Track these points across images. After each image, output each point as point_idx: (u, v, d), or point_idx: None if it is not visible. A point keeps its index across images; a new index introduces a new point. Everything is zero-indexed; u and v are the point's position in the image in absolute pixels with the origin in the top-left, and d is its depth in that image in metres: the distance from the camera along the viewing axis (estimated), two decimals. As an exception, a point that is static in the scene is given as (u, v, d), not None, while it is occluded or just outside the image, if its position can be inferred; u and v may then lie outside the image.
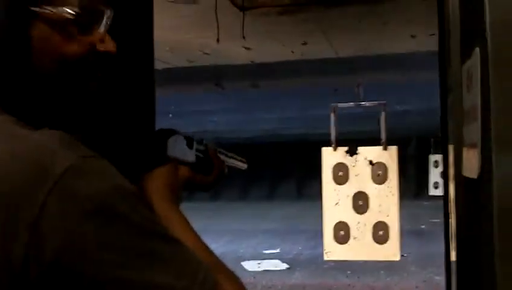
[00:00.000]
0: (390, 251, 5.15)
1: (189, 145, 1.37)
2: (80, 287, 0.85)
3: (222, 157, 1.52)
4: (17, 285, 0.85)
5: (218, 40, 4.23)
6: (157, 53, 5.17)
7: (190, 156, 1.37)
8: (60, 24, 0.99)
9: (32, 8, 0.96)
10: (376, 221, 5.14)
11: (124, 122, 1.70)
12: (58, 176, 0.85)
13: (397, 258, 5.22)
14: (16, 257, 0.83)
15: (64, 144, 0.91)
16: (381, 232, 5.11)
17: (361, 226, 5.18)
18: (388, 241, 5.12)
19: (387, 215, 5.12)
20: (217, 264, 1.06)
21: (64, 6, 0.98)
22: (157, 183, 1.17)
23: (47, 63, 0.99)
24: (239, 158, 1.68)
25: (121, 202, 0.88)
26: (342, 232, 5.18)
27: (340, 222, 5.20)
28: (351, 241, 5.19)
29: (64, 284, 0.85)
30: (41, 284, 0.85)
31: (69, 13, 0.99)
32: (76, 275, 0.84)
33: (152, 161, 1.21)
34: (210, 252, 1.09)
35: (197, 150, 1.41)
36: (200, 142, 1.44)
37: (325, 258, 5.33)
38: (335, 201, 5.25)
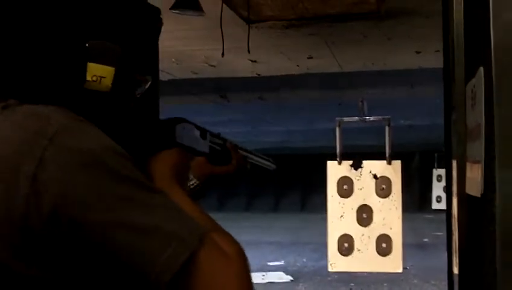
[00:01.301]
0: (393, 263, 5.19)
1: (203, 136, 1.39)
2: (79, 236, 0.93)
3: (243, 153, 1.54)
4: (20, 238, 0.93)
5: (223, 54, 4.24)
6: (163, 64, 5.20)
7: (203, 146, 1.39)
8: None
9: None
10: (379, 234, 5.18)
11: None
12: (52, 133, 0.96)
13: (400, 270, 5.26)
14: (17, 208, 0.93)
15: (56, 111, 1.01)
16: (384, 245, 5.15)
17: (365, 238, 5.22)
18: (391, 254, 5.16)
19: (391, 228, 5.16)
20: (219, 229, 1.07)
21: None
22: (160, 165, 1.19)
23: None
24: (266, 157, 1.70)
25: (111, 158, 0.97)
26: (346, 245, 5.23)
27: (344, 235, 5.25)
28: (354, 253, 5.23)
29: (64, 234, 0.93)
30: (43, 238, 0.93)
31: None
32: (73, 222, 0.92)
33: (157, 145, 1.23)
34: (213, 222, 1.11)
35: (212, 142, 1.43)
36: (216, 135, 1.46)
37: (330, 269, 5.36)
38: (339, 214, 5.30)
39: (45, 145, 0.95)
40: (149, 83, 1.24)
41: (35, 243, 0.94)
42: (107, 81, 1.08)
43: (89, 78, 1.07)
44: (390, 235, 5.14)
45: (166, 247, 0.93)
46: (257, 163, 1.66)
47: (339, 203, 5.29)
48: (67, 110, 1.04)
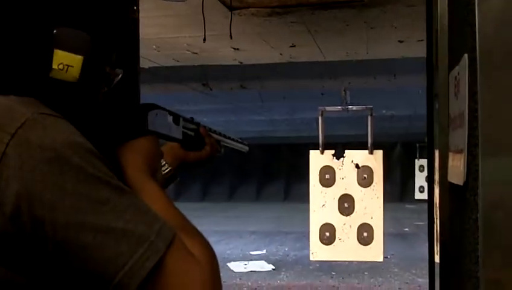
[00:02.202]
0: (374, 252, 5.23)
1: (176, 122, 1.37)
2: (41, 235, 0.89)
3: (217, 136, 1.53)
4: None
5: (204, 40, 4.20)
6: (144, 51, 5.16)
7: (176, 132, 1.37)
8: None
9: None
10: (361, 223, 5.23)
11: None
12: (16, 128, 0.92)
13: (380, 259, 5.31)
14: None
15: (23, 102, 0.98)
16: (365, 234, 5.21)
17: (346, 227, 5.26)
18: (372, 243, 5.21)
19: (372, 218, 5.21)
20: (188, 229, 1.05)
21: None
22: (131, 154, 1.16)
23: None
24: (239, 140, 1.70)
25: (76, 155, 0.93)
26: (327, 234, 5.27)
27: (326, 224, 5.29)
28: (336, 242, 5.28)
29: (28, 234, 0.89)
30: (8, 237, 0.90)
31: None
32: (35, 222, 0.89)
33: (129, 133, 1.20)
34: (183, 218, 1.08)
35: (185, 128, 1.41)
36: (189, 120, 1.44)
37: (311, 258, 5.41)
38: (321, 203, 5.33)
39: (8, 140, 0.91)
40: (119, 76, 1.19)
41: (1, 243, 0.90)
42: (75, 71, 1.04)
43: (55, 66, 1.03)
44: (372, 225, 5.18)
45: (134, 251, 0.90)
46: (231, 146, 1.66)
47: (321, 192, 5.32)
48: (36, 102, 1.00)
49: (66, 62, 1.03)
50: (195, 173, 21.79)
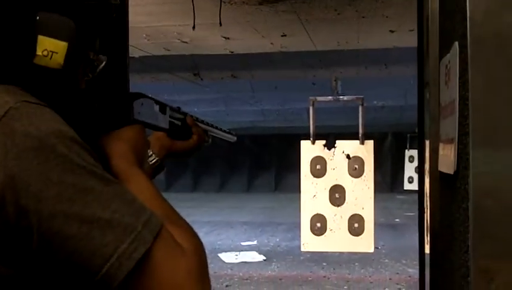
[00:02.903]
0: (365, 243, 5.24)
1: (162, 111, 1.36)
2: (25, 225, 0.88)
3: (204, 126, 1.52)
4: None
5: (194, 27, 4.17)
6: (134, 40, 5.11)
7: (163, 121, 1.36)
8: None
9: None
10: (352, 214, 5.23)
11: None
12: (0, 116, 0.91)
13: (371, 250, 5.32)
14: None
15: (7, 91, 0.97)
16: (356, 225, 5.21)
17: (337, 218, 5.26)
18: (363, 234, 5.22)
19: (363, 208, 5.21)
20: (175, 219, 1.04)
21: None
22: (117, 143, 1.15)
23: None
24: (226, 130, 1.69)
25: (61, 144, 0.92)
26: (318, 224, 5.27)
27: (317, 214, 5.29)
28: (327, 233, 5.28)
29: (13, 224, 0.88)
30: None
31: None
32: (20, 211, 0.88)
33: (115, 122, 1.18)
34: (170, 208, 1.07)
35: (172, 117, 1.40)
36: (176, 109, 1.43)
37: (302, 249, 5.41)
38: (312, 194, 5.33)
39: None
40: (103, 63, 1.17)
41: None
42: (59, 58, 1.02)
43: (39, 52, 1.01)
44: (363, 215, 5.18)
45: (121, 242, 0.89)
46: (218, 136, 1.65)
47: (312, 183, 5.31)
48: (20, 90, 0.99)
49: (51, 48, 1.02)
50: (186, 164, 21.79)
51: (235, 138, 1.74)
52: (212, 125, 1.59)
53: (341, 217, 5.21)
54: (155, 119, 1.32)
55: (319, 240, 5.24)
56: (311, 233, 5.25)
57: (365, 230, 5.17)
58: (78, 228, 0.88)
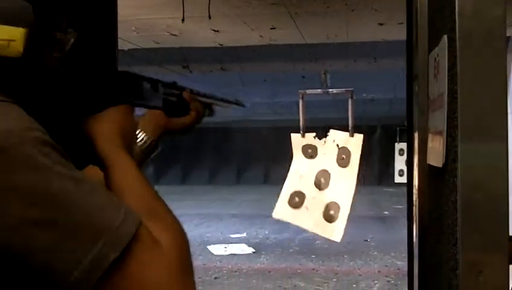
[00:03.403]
0: (334, 231, 5.28)
1: (155, 88, 1.30)
2: None
3: (205, 100, 1.46)
4: None
5: (183, 20, 4.15)
6: (123, 33, 5.08)
7: (155, 99, 1.30)
8: None
9: None
10: (330, 200, 5.27)
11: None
12: None
13: (338, 240, 5.37)
14: None
15: None
16: (332, 212, 5.26)
17: (316, 201, 5.31)
18: (335, 222, 5.26)
19: (342, 198, 5.27)
20: (157, 211, 0.99)
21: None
22: (102, 125, 1.09)
23: None
24: (232, 100, 1.62)
25: (25, 144, 0.85)
26: (296, 199, 5.31)
27: (298, 191, 5.34)
28: (302, 209, 5.32)
29: None
30: None
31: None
32: None
33: (101, 102, 1.12)
34: (154, 198, 1.02)
35: (167, 94, 1.34)
36: (171, 85, 1.37)
37: (273, 215, 5.44)
38: (300, 174, 5.39)
39: None
40: (72, 40, 1.09)
41: None
42: (18, 45, 0.95)
43: None
44: (340, 205, 5.23)
45: (91, 248, 0.83)
46: (225, 106, 1.58)
47: (303, 163, 5.37)
48: None
49: (6, 37, 0.95)
50: (175, 156, 21.75)
51: (244, 105, 1.66)
52: (215, 97, 1.51)
53: (320, 200, 5.26)
54: (145, 98, 1.27)
55: (293, 212, 5.29)
56: (286, 204, 5.30)
57: (338, 219, 5.21)
58: (45, 233, 0.82)
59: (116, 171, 1.03)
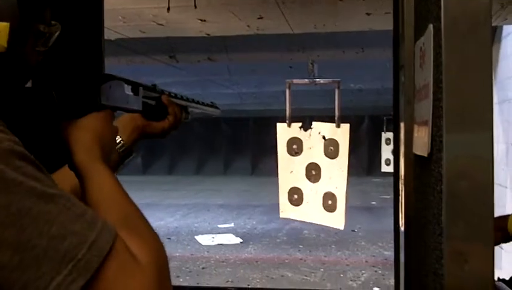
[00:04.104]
0: (337, 220, 5.39)
1: (135, 92, 1.26)
2: None
3: (184, 102, 1.45)
4: None
5: (168, 9, 4.12)
6: (109, 22, 5.05)
7: (135, 103, 1.26)
8: None
9: None
10: (326, 191, 5.35)
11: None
12: None
13: (342, 227, 5.48)
14: None
15: None
16: (330, 202, 5.35)
17: (313, 193, 5.39)
18: (335, 211, 5.36)
19: (336, 188, 5.34)
20: (136, 225, 0.94)
21: None
22: (80, 135, 1.04)
23: None
24: (209, 103, 1.62)
25: None
26: (295, 196, 5.43)
27: (294, 187, 5.42)
28: (303, 204, 5.43)
29: None
30: None
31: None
32: None
33: (80, 109, 1.07)
34: (133, 212, 0.97)
35: (146, 97, 1.31)
36: (151, 88, 1.35)
37: (281, 216, 5.60)
38: (290, 170, 5.45)
39: None
40: (57, 32, 1.05)
41: None
42: (2, 40, 0.91)
43: None
44: (335, 194, 5.31)
45: (57, 273, 0.78)
46: (201, 110, 1.58)
47: (289, 160, 5.42)
48: None
49: None
50: (163, 147, 21.71)
51: (219, 111, 1.66)
52: (193, 100, 1.50)
53: (316, 192, 5.32)
54: (126, 102, 1.23)
55: (296, 209, 5.38)
56: (288, 203, 5.39)
57: (337, 208, 5.30)
58: (10, 256, 0.77)
59: (93, 184, 0.98)
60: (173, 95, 1.44)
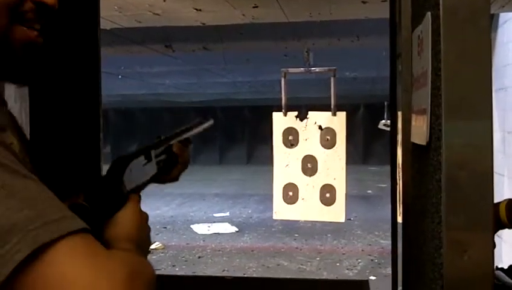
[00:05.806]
0: (336, 213, 5.31)
1: (148, 158, 1.25)
2: None
3: (184, 136, 1.44)
4: None
5: (164, -1, 4.10)
6: (105, 12, 5.01)
7: (151, 169, 1.25)
8: None
9: None
10: (323, 184, 5.28)
11: (67, 86, 1.61)
12: None
13: (342, 220, 5.39)
14: None
15: None
16: (328, 195, 5.27)
17: (309, 188, 5.31)
18: (334, 204, 5.27)
19: (334, 179, 5.26)
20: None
21: None
22: (115, 230, 1.05)
23: None
24: (201, 121, 1.60)
25: None
26: (290, 193, 5.33)
27: (289, 183, 5.34)
28: (299, 202, 5.34)
29: None
30: None
31: None
32: None
33: (110, 207, 1.08)
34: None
35: (157, 157, 1.30)
36: (160, 144, 1.33)
37: (274, 217, 5.48)
38: (285, 163, 5.37)
39: None
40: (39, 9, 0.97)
41: None
42: None
43: None
44: (334, 186, 5.23)
45: (4, 242, 0.76)
46: (199, 131, 1.57)
47: (285, 153, 5.35)
48: None
49: None
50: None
51: (212, 121, 1.65)
52: (189, 129, 1.49)
53: (313, 186, 5.25)
54: (144, 175, 1.21)
55: (291, 208, 5.30)
56: (283, 201, 5.31)
57: (336, 200, 5.22)
58: None
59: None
60: (175, 132, 1.41)
